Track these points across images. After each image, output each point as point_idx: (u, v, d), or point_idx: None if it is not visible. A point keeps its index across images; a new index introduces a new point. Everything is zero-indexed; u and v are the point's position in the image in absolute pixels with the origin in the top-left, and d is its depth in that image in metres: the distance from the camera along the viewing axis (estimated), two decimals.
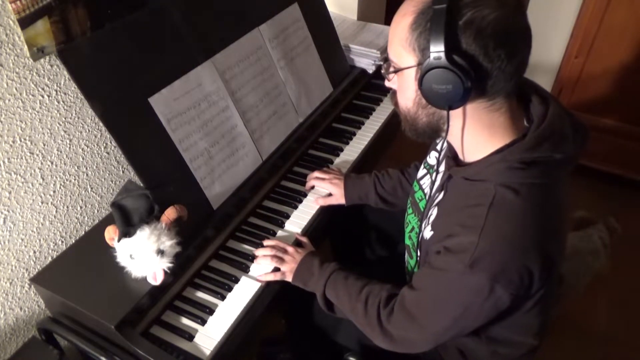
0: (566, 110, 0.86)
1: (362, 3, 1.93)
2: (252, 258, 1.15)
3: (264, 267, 1.12)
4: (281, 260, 1.11)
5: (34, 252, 1.12)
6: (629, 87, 2.03)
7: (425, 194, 1.02)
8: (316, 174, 1.34)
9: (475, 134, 0.83)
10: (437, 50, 0.72)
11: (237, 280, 1.11)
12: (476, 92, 0.76)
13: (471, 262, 0.77)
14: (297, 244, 1.18)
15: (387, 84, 0.89)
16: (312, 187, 1.33)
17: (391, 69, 0.83)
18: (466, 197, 0.83)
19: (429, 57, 0.73)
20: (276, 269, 1.11)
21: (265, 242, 1.17)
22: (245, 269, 1.13)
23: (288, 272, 1.10)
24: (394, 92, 0.88)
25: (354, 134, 1.51)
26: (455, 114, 0.81)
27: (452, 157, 0.91)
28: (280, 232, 1.22)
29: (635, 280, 1.93)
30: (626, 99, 2.06)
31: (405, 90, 0.83)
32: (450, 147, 0.91)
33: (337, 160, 1.43)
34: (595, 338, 1.76)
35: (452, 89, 0.73)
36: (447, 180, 0.90)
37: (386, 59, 0.85)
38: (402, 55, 0.80)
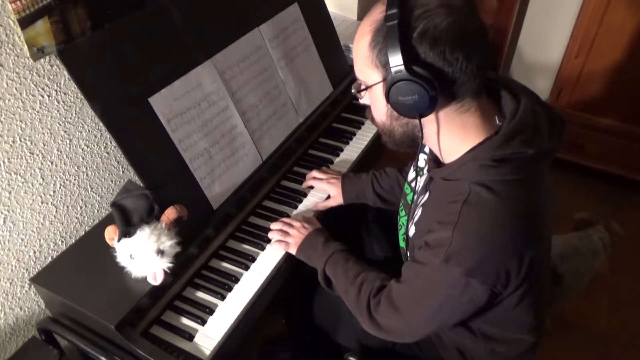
0: (542, 103, 0.87)
1: (362, 3, 1.93)
2: (252, 258, 1.15)
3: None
4: (287, 234, 1.16)
5: (34, 252, 1.12)
6: (629, 87, 2.03)
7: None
8: (314, 173, 1.34)
9: (450, 136, 0.84)
10: (397, 64, 0.74)
11: (237, 280, 1.11)
12: (443, 97, 0.78)
13: (446, 257, 0.79)
14: (306, 221, 1.22)
15: (360, 101, 0.91)
16: (311, 187, 1.33)
17: (362, 87, 0.86)
18: (444, 195, 0.85)
19: (391, 72, 0.75)
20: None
21: (280, 220, 1.22)
22: (246, 269, 1.13)
23: (293, 245, 1.14)
24: (369, 108, 0.91)
25: (354, 134, 1.51)
26: (428, 121, 0.83)
27: (433, 159, 0.94)
28: None
29: (635, 280, 1.93)
30: (626, 98, 2.06)
31: (377, 105, 0.86)
32: (431, 150, 0.94)
33: (337, 160, 1.43)
34: (595, 338, 1.76)
35: (419, 99, 0.76)
36: (429, 182, 0.93)
37: (355, 79, 0.88)
38: (368, 73, 0.82)
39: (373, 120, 0.91)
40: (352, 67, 1.66)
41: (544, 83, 2.29)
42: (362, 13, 1.95)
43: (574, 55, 2.08)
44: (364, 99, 0.89)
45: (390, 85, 0.77)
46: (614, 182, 2.25)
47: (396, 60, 0.74)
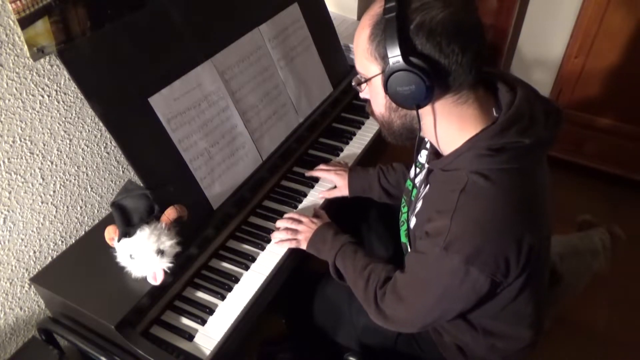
0: (537, 95, 0.89)
1: (362, 3, 1.93)
2: (252, 258, 1.15)
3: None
4: (296, 232, 1.17)
5: (34, 252, 1.12)
6: (629, 87, 2.03)
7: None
8: (321, 166, 1.36)
9: (447, 127, 0.86)
10: (395, 55, 0.77)
11: (237, 280, 1.11)
12: (440, 88, 0.80)
13: (445, 245, 0.80)
14: (315, 215, 1.24)
15: (361, 95, 0.93)
16: (311, 187, 1.33)
17: (362, 80, 0.88)
18: (443, 185, 0.87)
19: (389, 62, 0.78)
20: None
21: (285, 216, 1.23)
22: (246, 269, 1.13)
23: (303, 240, 1.16)
24: (369, 102, 0.92)
25: (354, 134, 1.51)
26: (425, 112, 0.84)
27: (433, 152, 0.96)
28: None
29: (635, 280, 1.93)
30: (626, 98, 2.06)
31: (376, 97, 0.88)
32: (431, 143, 0.95)
33: (337, 160, 1.43)
34: (595, 338, 1.76)
35: (416, 89, 0.78)
36: (429, 174, 0.95)
37: (356, 73, 0.90)
38: (367, 66, 0.85)
39: (373, 114, 0.93)
40: (352, 67, 1.68)
41: (544, 83, 2.29)
42: (362, 13, 1.94)
43: (574, 55, 2.08)
44: (364, 92, 0.91)
45: (388, 76, 0.79)
46: (614, 182, 2.25)
47: (394, 51, 0.76)
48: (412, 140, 0.93)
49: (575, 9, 2.09)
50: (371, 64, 0.83)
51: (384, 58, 0.79)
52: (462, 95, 0.82)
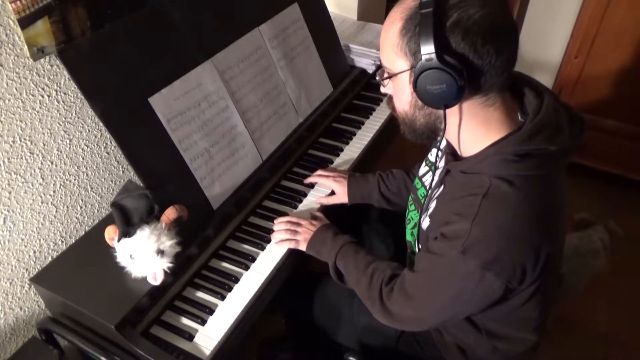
0: (562, 103, 0.87)
1: (362, 3, 1.93)
2: (252, 258, 1.15)
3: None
4: (295, 232, 1.16)
5: (34, 252, 1.12)
6: (629, 88, 2.03)
7: (427, 191, 1.03)
8: (320, 171, 1.34)
9: (472, 129, 0.85)
10: (428, 52, 0.74)
11: (237, 280, 1.11)
12: (470, 89, 0.78)
13: (463, 249, 0.79)
14: (313, 217, 1.23)
15: (382, 90, 0.91)
16: (311, 187, 1.33)
17: (385, 75, 0.86)
18: (463, 188, 0.85)
19: (421, 59, 0.76)
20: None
21: (281, 219, 1.21)
22: (246, 269, 1.13)
23: (302, 242, 1.15)
24: (390, 98, 0.91)
25: (354, 134, 1.51)
26: (452, 112, 0.83)
27: (450, 153, 0.94)
28: None
29: (635, 280, 1.93)
30: (626, 99, 2.06)
31: (401, 94, 0.86)
32: (448, 143, 0.94)
33: (337, 160, 1.43)
34: (595, 338, 1.76)
35: (447, 88, 0.76)
36: (445, 175, 0.93)
37: (380, 66, 0.87)
38: (395, 61, 0.82)
39: (394, 110, 0.91)
40: (352, 67, 1.68)
41: (544, 83, 2.28)
42: (362, 13, 1.95)
43: (574, 55, 2.08)
44: (387, 87, 0.89)
45: (420, 73, 0.77)
46: (614, 182, 2.25)
47: (428, 48, 0.74)
48: (432, 139, 0.91)
49: (575, 9, 2.09)
50: (399, 59, 0.81)
51: (415, 54, 0.78)
52: (490, 98, 0.81)
